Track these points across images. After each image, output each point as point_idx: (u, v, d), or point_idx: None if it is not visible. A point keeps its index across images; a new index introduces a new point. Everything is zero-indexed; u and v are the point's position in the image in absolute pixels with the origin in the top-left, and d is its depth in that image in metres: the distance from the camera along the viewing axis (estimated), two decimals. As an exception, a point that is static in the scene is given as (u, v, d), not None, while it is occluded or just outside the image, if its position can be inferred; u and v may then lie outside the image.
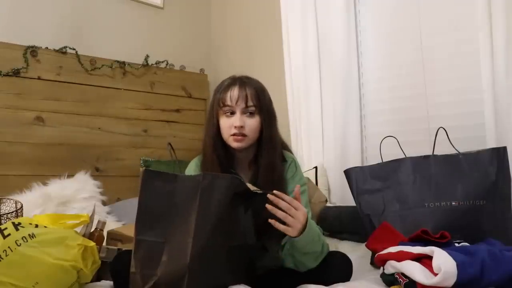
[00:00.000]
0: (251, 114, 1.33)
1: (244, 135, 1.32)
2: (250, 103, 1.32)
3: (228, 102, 1.32)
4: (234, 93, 1.33)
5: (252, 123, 1.33)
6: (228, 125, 1.33)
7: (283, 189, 1.29)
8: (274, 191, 1.11)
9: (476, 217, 1.42)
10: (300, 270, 1.23)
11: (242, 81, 1.36)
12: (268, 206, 1.09)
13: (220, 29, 3.24)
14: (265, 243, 1.27)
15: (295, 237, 1.12)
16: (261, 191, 1.15)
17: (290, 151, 1.48)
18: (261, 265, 1.28)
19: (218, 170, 1.32)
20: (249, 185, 1.16)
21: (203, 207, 1.06)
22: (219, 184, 1.09)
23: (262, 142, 1.36)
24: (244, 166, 1.41)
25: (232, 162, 1.40)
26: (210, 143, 1.36)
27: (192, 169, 1.41)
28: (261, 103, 1.34)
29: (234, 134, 1.31)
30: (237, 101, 1.32)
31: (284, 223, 1.10)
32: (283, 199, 1.10)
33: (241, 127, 1.31)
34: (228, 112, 1.33)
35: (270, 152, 1.35)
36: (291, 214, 1.10)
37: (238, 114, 1.32)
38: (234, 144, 1.33)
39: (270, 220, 1.10)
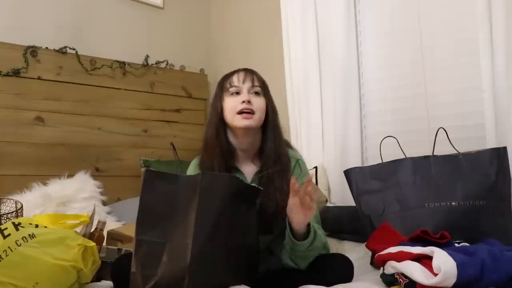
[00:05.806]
0: (258, 94, 1.35)
1: (252, 112, 1.30)
2: (256, 83, 1.35)
3: (235, 82, 1.35)
4: (240, 74, 1.36)
5: (259, 101, 1.34)
6: (234, 103, 1.32)
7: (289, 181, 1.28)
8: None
9: (476, 217, 1.42)
10: (300, 265, 1.22)
11: (247, 69, 1.40)
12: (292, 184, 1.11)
13: (220, 29, 3.24)
14: (270, 245, 1.27)
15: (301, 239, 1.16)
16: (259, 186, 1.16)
17: (293, 149, 1.46)
18: (265, 268, 1.28)
19: (220, 166, 1.30)
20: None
21: (202, 207, 1.06)
22: (217, 183, 1.09)
23: (268, 127, 1.35)
24: (247, 161, 1.37)
25: (234, 158, 1.36)
26: (213, 133, 1.33)
27: (192, 169, 1.39)
28: (266, 89, 1.38)
29: (241, 112, 1.30)
30: (244, 81, 1.34)
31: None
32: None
33: (249, 102, 1.30)
34: (234, 93, 1.34)
35: (276, 138, 1.35)
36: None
37: (245, 92, 1.33)
38: (242, 123, 1.29)
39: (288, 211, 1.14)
